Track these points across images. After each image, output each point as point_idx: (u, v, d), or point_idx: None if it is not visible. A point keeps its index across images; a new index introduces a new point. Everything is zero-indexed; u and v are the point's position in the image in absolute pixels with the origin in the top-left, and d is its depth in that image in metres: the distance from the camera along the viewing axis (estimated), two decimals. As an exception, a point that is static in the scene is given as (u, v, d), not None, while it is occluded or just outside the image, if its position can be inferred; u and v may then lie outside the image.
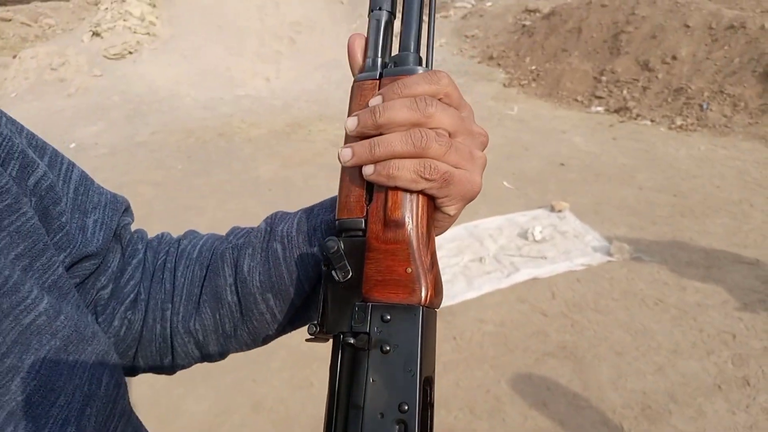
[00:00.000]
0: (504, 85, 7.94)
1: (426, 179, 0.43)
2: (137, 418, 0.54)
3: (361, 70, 0.50)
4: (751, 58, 6.27)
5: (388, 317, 0.42)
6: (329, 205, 0.57)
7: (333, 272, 0.45)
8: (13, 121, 0.50)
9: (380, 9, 0.49)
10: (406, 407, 0.40)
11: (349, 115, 0.47)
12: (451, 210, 0.47)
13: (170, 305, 0.58)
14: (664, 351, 2.81)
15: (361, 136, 0.45)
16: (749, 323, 2.96)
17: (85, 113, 7.56)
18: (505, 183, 4.83)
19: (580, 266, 3.54)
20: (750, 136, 5.53)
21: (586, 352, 2.83)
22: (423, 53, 0.50)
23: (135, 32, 9.11)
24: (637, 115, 6.44)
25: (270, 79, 8.78)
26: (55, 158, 0.53)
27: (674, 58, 6.89)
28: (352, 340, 0.42)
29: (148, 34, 9.20)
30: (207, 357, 0.62)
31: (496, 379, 2.68)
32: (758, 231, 3.84)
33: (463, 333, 3.00)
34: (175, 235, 0.69)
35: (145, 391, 2.66)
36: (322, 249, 0.45)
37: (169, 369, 0.63)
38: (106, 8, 9.41)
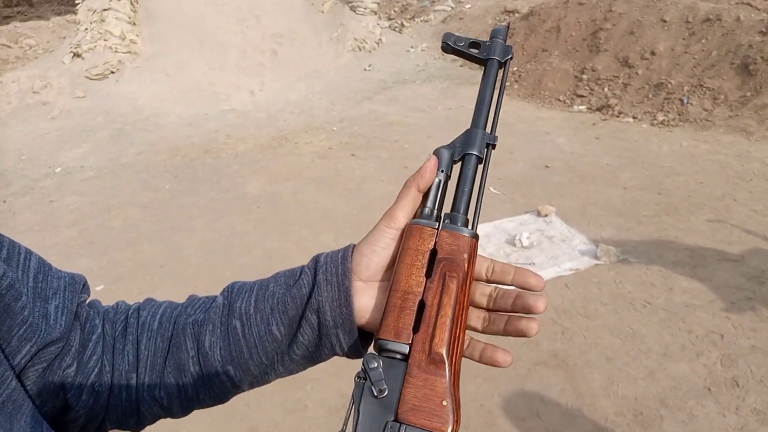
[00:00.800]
0: (487, 87, 7.97)
1: None
2: None
3: (418, 215, 0.58)
4: (728, 51, 6.34)
5: None
6: (283, 282, 0.61)
7: (372, 387, 0.49)
8: None
9: (442, 171, 0.58)
10: None
11: (403, 251, 0.56)
12: None
13: (135, 375, 0.61)
14: (654, 354, 2.84)
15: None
16: (736, 322, 3.00)
17: (70, 136, 7.53)
18: (491, 189, 4.86)
19: (568, 271, 3.57)
20: (731, 129, 5.60)
21: (577, 359, 2.86)
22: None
23: (116, 51, 9.07)
24: (620, 113, 6.49)
25: (254, 92, 8.77)
26: (13, 249, 0.55)
27: (653, 53, 6.95)
28: None
29: (129, 52, 9.16)
30: (171, 415, 0.65)
31: (489, 393, 2.70)
32: (742, 226, 3.88)
33: (455, 346, 3.02)
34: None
35: (140, 423, 2.66)
36: (362, 363, 0.51)
37: (135, 427, 0.65)
38: (86, 29, 9.36)
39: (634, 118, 6.33)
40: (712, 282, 3.33)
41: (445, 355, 0.49)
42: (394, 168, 5.53)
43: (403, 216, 0.57)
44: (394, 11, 11.32)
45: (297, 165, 5.91)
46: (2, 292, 0.50)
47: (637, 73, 6.96)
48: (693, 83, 6.34)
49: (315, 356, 0.61)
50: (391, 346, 0.51)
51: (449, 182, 0.60)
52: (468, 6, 10.59)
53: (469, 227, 0.56)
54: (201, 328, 0.61)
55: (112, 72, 8.89)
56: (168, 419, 0.70)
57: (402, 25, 10.60)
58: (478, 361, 0.55)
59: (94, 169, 6.41)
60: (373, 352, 0.51)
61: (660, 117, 6.14)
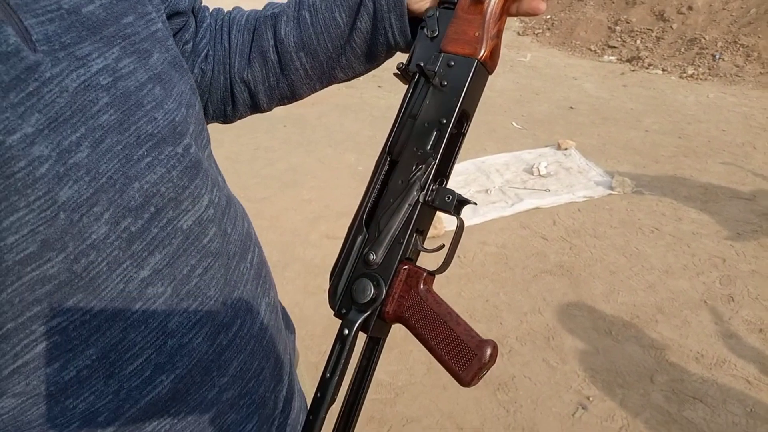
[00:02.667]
0: (518, 33, 7.93)
1: None
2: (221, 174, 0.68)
3: None
4: (767, 9, 6.23)
5: (452, 63, 0.58)
6: None
7: (424, 30, 0.61)
8: None
9: None
10: (444, 121, 0.57)
11: None
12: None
13: (228, 60, 0.75)
14: (656, 271, 2.97)
15: None
16: (740, 249, 3.10)
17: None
18: (513, 123, 4.93)
19: (582, 198, 3.68)
20: (760, 85, 5.57)
21: (582, 271, 3.00)
22: None
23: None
24: (649, 65, 6.46)
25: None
26: None
27: (690, 8, 6.85)
28: (424, 69, 0.57)
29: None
30: (257, 106, 0.78)
31: (495, 291, 2.86)
32: (758, 170, 3.94)
33: (467, 253, 3.17)
34: None
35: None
36: (422, 14, 0.62)
37: (231, 116, 0.80)
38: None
39: (663, 70, 6.30)
40: (721, 215, 3.42)
41: None
42: (419, 100, 5.59)
43: None
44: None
45: (323, 92, 5.95)
46: None
47: (671, 27, 6.87)
48: (728, 39, 6.27)
49: (372, 49, 0.71)
50: None
51: None
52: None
53: None
54: (277, 19, 0.73)
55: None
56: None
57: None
58: (515, 15, 0.63)
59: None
60: (431, 7, 0.62)
61: (690, 70, 6.10)
